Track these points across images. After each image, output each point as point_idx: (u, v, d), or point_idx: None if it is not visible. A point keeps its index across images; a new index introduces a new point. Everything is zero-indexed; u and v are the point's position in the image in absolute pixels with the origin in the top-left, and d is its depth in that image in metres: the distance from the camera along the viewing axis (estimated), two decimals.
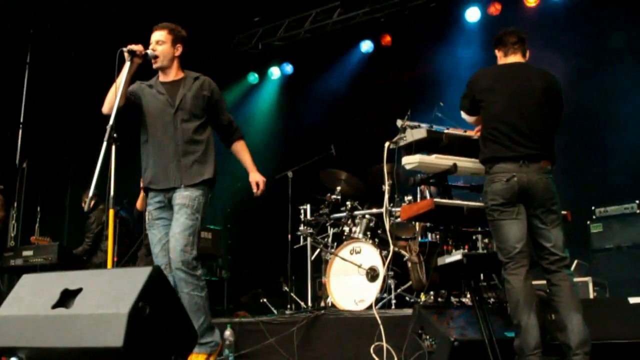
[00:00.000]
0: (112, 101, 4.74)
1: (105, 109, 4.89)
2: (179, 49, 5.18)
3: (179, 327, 3.68)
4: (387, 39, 10.42)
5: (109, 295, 3.41)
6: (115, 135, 4.43)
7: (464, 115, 5.00)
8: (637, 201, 7.65)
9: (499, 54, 4.94)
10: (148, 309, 3.35)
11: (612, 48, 8.54)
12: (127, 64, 4.81)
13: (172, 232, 4.92)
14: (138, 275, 3.46)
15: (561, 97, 4.81)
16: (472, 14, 9.74)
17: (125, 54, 4.81)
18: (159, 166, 5.09)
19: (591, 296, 6.78)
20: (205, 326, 4.97)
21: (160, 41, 5.11)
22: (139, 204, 7.09)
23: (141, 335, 3.29)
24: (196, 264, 4.90)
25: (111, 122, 4.50)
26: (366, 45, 10.69)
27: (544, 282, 4.68)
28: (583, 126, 8.32)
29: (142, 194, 6.82)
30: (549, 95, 4.71)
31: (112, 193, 4.48)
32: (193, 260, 4.87)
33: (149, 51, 5.00)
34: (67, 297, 3.49)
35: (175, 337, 3.64)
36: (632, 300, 5.27)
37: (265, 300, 7.70)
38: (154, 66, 5.12)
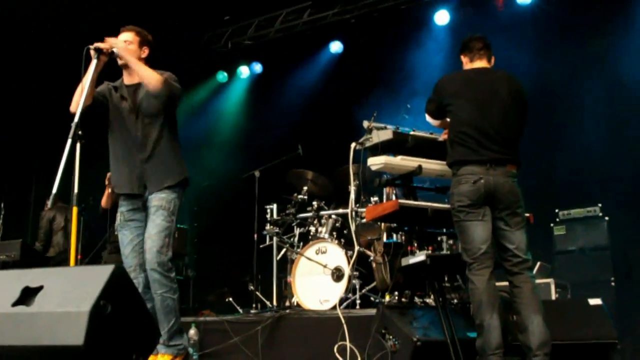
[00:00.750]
0: (79, 99, 4.70)
1: (73, 108, 4.83)
2: (145, 52, 5.15)
3: (140, 326, 3.66)
4: (358, 39, 10.43)
5: (70, 293, 3.37)
6: (80, 132, 4.40)
7: (428, 118, 5.06)
8: (600, 204, 7.75)
9: (464, 59, 5.00)
10: (110, 308, 3.33)
11: (579, 51, 8.61)
12: (94, 62, 4.77)
13: (148, 234, 4.92)
14: (100, 274, 3.43)
15: (526, 102, 4.89)
16: (441, 17, 9.79)
17: (92, 52, 4.77)
18: (124, 171, 5.09)
19: (553, 297, 6.87)
20: (175, 328, 4.99)
21: (127, 41, 5.09)
22: (103, 202, 7.05)
23: (102, 334, 3.27)
24: (171, 265, 4.93)
25: (76, 119, 4.46)
26: (335, 46, 10.69)
27: (507, 283, 4.74)
28: (548, 129, 8.40)
29: (107, 191, 6.79)
30: (515, 100, 4.79)
31: (76, 190, 4.43)
32: (168, 261, 4.90)
33: (115, 49, 4.97)
34: (27, 295, 3.44)
35: (137, 335, 3.62)
36: (592, 301, 5.35)
37: (231, 299, 7.67)
38: (120, 63, 5.06)
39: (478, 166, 4.60)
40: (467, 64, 4.98)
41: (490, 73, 4.89)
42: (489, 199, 4.60)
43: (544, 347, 4.40)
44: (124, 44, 4.99)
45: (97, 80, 4.87)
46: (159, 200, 4.95)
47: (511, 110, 4.74)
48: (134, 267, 4.97)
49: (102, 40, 4.86)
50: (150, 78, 4.89)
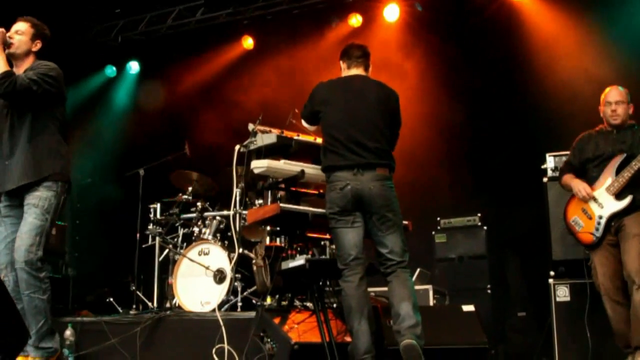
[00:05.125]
0: None
1: None
2: (37, 45, 5.01)
3: (8, 326, 3.55)
4: (249, 41, 10.40)
5: None
6: None
7: (304, 123, 5.18)
8: (479, 214, 8.01)
9: (343, 65, 5.12)
10: None
11: (455, 60, 8.83)
12: None
13: (19, 232, 4.77)
14: None
15: (397, 110, 5.01)
16: (336, 25, 9.85)
17: None
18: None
19: (431, 303, 7.06)
20: (45, 330, 4.85)
21: (20, 31, 4.95)
22: None
23: None
24: (41, 265, 4.77)
25: None
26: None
27: (385, 289, 4.84)
28: (432, 139, 8.58)
29: None
30: (383, 107, 4.91)
31: None
32: (37, 261, 4.74)
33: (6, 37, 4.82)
34: None
35: (4, 336, 3.51)
36: (466, 308, 5.53)
37: (111, 299, 7.51)
38: (6, 52, 4.85)
39: (346, 171, 4.70)
40: (345, 70, 5.10)
41: (361, 80, 5.00)
42: (358, 204, 4.70)
43: (414, 329, 4.49)
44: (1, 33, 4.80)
45: None
46: (34, 198, 4.80)
47: (378, 116, 4.86)
48: (5, 265, 4.82)
49: None
50: None
